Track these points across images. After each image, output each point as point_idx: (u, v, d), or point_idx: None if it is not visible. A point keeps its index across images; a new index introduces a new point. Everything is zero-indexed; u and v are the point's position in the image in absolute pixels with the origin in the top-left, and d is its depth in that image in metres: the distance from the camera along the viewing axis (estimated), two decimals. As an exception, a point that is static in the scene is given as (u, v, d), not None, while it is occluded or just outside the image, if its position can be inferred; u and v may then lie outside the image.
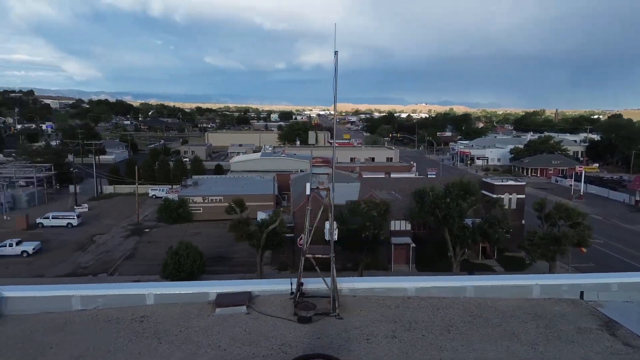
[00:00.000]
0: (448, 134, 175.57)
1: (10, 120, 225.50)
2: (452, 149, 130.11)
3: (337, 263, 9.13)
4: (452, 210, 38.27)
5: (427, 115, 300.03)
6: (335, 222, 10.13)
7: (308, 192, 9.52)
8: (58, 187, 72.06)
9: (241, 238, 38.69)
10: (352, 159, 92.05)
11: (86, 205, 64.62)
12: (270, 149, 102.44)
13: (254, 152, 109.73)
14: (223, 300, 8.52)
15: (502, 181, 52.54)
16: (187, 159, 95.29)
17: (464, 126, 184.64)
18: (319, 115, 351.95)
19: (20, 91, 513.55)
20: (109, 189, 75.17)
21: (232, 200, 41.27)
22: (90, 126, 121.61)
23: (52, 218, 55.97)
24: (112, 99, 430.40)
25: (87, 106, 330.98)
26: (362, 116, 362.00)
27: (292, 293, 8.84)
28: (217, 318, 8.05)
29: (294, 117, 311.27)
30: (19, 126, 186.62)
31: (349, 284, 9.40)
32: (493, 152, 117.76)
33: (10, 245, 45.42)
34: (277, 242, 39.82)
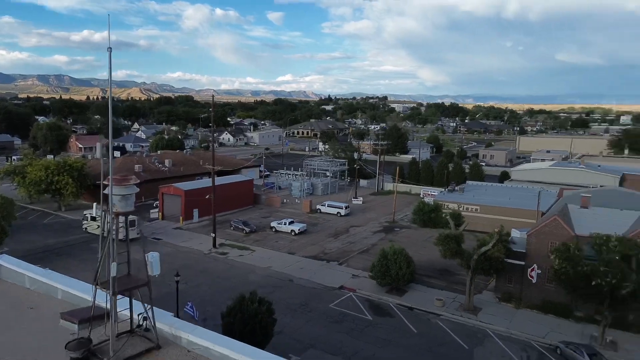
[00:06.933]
0: None
1: (359, 121, 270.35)
2: None
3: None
4: None
5: None
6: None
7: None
8: (349, 180, 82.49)
9: (448, 254, 34.91)
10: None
11: (361, 198, 71.53)
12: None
13: (563, 159, 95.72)
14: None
15: None
16: (483, 164, 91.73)
17: None
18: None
19: (377, 97, 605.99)
20: (389, 186, 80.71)
21: (450, 212, 37.66)
22: (397, 127, 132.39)
23: (328, 206, 64.73)
24: (453, 102, 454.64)
25: (423, 109, 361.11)
26: None
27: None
28: None
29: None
30: (371, 127, 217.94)
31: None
32: None
33: (285, 223, 55.40)
34: (490, 268, 34.04)
